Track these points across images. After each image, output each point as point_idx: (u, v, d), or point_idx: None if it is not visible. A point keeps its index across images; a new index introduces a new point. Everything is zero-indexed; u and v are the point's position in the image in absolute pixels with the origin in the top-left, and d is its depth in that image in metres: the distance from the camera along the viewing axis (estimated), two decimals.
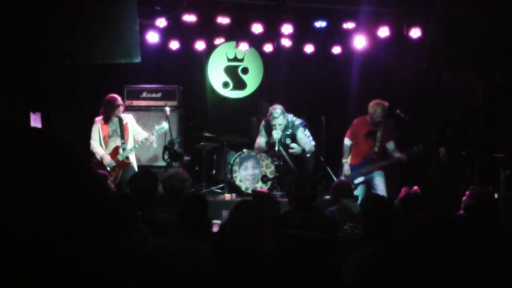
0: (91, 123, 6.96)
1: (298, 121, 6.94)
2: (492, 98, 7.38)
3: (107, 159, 6.55)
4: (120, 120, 6.70)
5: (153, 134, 6.78)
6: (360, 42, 7.83)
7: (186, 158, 8.24)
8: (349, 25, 7.81)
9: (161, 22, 7.40)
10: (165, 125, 6.90)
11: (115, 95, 6.78)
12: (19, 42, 5.61)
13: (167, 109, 7.17)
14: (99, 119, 6.71)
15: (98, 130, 6.67)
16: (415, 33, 7.31)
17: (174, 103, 7.88)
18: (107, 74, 7.68)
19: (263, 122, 7.09)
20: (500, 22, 6.23)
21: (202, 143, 8.31)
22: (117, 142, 6.66)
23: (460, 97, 7.93)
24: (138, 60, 6.02)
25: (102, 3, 5.82)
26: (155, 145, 6.98)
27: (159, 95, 7.95)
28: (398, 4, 7.51)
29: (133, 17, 5.96)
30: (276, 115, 6.67)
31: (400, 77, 8.59)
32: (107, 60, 5.96)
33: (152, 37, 7.53)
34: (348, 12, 7.73)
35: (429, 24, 6.89)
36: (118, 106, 6.66)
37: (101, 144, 6.64)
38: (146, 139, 6.72)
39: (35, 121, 6.76)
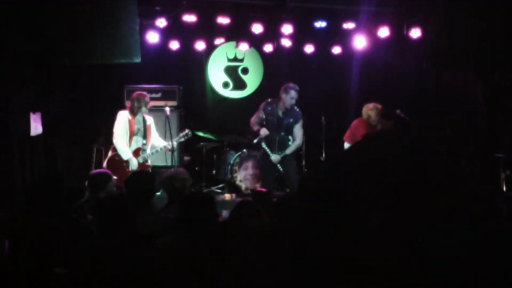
0: (91, 123, 6.96)
1: (299, 112, 6.90)
2: (492, 98, 7.39)
3: (134, 164, 6.41)
4: (144, 120, 6.60)
5: (175, 141, 6.69)
6: (360, 42, 7.82)
7: (186, 158, 8.25)
8: (349, 25, 7.81)
9: (161, 22, 7.40)
10: (189, 132, 6.84)
11: (144, 93, 6.67)
12: (19, 42, 5.62)
13: (167, 109, 7.16)
14: (125, 112, 6.52)
15: (126, 124, 6.45)
16: (415, 33, 7.30)
17: (174, 103, 7.88)
18: (107, 74, 7.68)
19: (266, 103, 6.89)
20: (500, 22, 6.24)
21: (202, 143, 8.31)
22: (139, 142, 6.54)
23: (460, 97, 7.93)
24: (138, 60, 6.02)
25: (102, 3, 5.82)
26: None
27: (159, 95, 7.95)
28: (398, 4, 7.50)
29: (133, 17, 5.96)
30: (294, 94, 6.66)
31: (400, 77, 8.58)
32: (107, 60, 5.96)
33: (152, 37, 7.53)
34: (348, 12, 7.73)
35: (429, 24, 6.89)
36: (147, 103, 6.52)
37: (126, 141, 6.45)
38: (165, 146, 6.64)
39: (35, 121, 6.77)
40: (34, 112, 6.78)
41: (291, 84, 6.80)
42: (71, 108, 7.54)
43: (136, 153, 6.51)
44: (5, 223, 3.87)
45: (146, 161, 6.60)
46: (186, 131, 6.87)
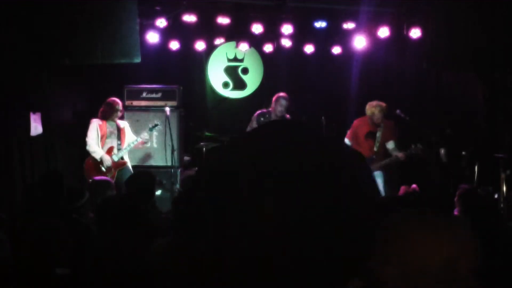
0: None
1: None
2: (492, 98, 7.38)
3: (107, 160, 6.55)
4: (117, 124, 6.79)
5: (146, 133, 6.82)
6: (360, 42, 7.82)
7: (186, 158, 8.24)
8: (349, 25, 7.81)
9: (161, 22, 7.40)
10: (157, 122, 6.92)
11: (118, 100, 6.82)
12: (19, 42, 5.62)
13: (167, 109, 7.17)
14: (96, 119, 6.74)
15: (96, 128, 6.65)
16: (415, 33, 7.30)
17: (174, 103, 7.87)
18: (107, 74, 7.68)
19: (257, 114, 7.12)
20: (500, 22, 6.23)
21: (202, 143, 8.31)
22: (114, 143, 6.69)
23: (460, 97, 7.93)
24: (138, 60, 6.02)
25: (102, 3, 5.82)
26: (155, 145, 6.98)
27: (159, 95, 7.94)
28: (398, 4, 7.50)
29: (133, 17, 5.96)
30: (284, 102, 6.88)
31: (400, 77, 8.58)
32: (107, 60, 5.95)
33: (152, 37, 7.53)
34: (348, 12, 7.73)
35: (429, 24, 6.88)
36: (117, 110, 6.72)
37: (98, 143, 6.64)
38: (138, 139, 6.76)
39: (35, 121, 6.77)
40: (34, 112, 6.78)
41: (281, 93, 7.02)
42: (71, 108, 7.54)
43: (109, 151, 6.63)
44: (5, 223, 3.88)
45: (122, 158, 6.71)
46: (155, 121, 6.97)
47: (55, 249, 2.93)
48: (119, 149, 6.68)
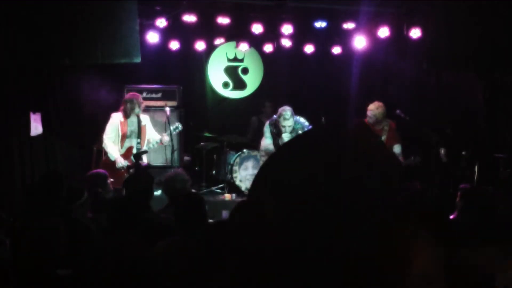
0: (91, 123, 6.94)
1: (306, 122, 6.92)
2: (492, 98, 7.39)
3: (120, 163, 6.44)
4: (139, 121, 6.60)
5: (168, 135, 6.71)
6: (360, 42, 7.82)
7: (186, 158, 8.25)
8: (349, 25, 7.80)
9: (161, 22, 7.39)
10: (179, 125, 6.87)
11: (136, 94, 6.74)
12: (19, 42, 5.62)
13: (167, 109, 7.16)
14: (117, 115, 6.56)
15: (117, 127, 6.50)
16: (415, 33, 7.30)
17: (174, 103, 7.88)
18: (107, 74, 7.68)
19: (268, 124, 6.97)
20: (500, 22, 6.23)
21: (202, 143, 8.31)
22: (133, 142, 6.58)
23: (460, 97, 7.93)
24: (138, 60, 6.02)
25: (102, 3, 5.82)
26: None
27: (159, 95, 7.95)
28: (398, 4, 7.50)
29: (133, 17, 5.96)
30: (287, 116, 6.61)
31: (400, 77, 8.58)
32: (107, 60, 5.95)
33: (152, 37, 7.52)
34: (348, 12, 7.73)
35: (429, 24, 6.88)
36: (139, 104, 6.55)
37: (115, 142, 6.50)
38: (160, 140, 6.66)
39: (35, 121, 6.77)
40: (34, 112, 6.78)
41: (279, 109, 6.74)
42: (71, 108, 7.54)
43: (128, 152, 6.52)
44: (5, 223, 3.88)
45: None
46: (176, 124, 6.90)
47: (55, 249, 2.93)
48: (138, 149, 6.54)
